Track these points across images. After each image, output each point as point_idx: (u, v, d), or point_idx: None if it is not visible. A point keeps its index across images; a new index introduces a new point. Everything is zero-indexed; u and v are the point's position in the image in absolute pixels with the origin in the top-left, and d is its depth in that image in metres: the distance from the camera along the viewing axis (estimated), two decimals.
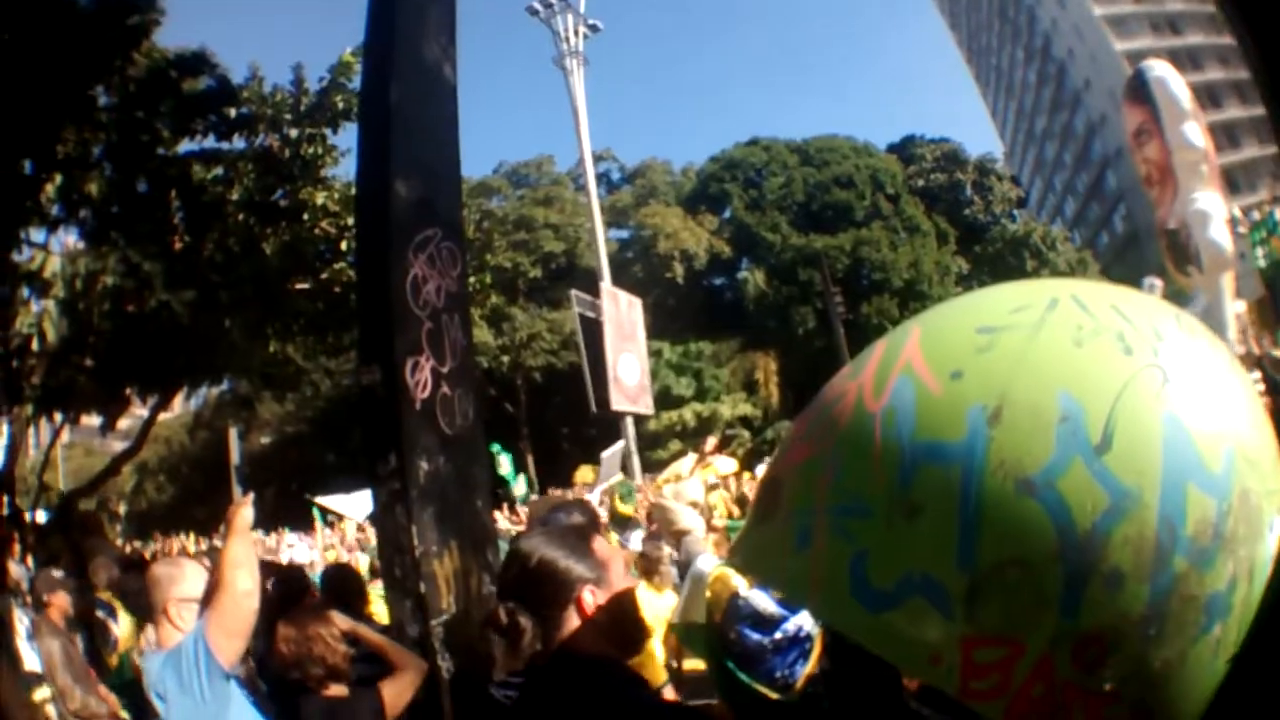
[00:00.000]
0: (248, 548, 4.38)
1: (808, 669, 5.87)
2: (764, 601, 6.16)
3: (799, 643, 5.95)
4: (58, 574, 9.87)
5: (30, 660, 6.92)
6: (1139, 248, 79.31)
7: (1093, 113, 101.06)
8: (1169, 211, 25.88)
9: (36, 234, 17.63)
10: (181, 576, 4.56)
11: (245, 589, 4.19)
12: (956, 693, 2.12)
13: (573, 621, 2.96)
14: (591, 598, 2.98)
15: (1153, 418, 2.19)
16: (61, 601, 8.43)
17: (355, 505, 26.99)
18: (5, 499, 18.96)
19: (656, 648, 8.09)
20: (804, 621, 5.89)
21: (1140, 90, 25.86)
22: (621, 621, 3.07)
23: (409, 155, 6.21)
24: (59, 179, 15.81)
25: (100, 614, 8.75)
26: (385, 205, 5.98)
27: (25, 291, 17.37)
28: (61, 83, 14.22)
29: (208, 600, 4.32)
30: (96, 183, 15.83)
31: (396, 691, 5.35)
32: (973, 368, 2.31)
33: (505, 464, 23.71)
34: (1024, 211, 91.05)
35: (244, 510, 4.51)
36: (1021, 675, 2.05)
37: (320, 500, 27.58)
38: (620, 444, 27.64)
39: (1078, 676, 2.04)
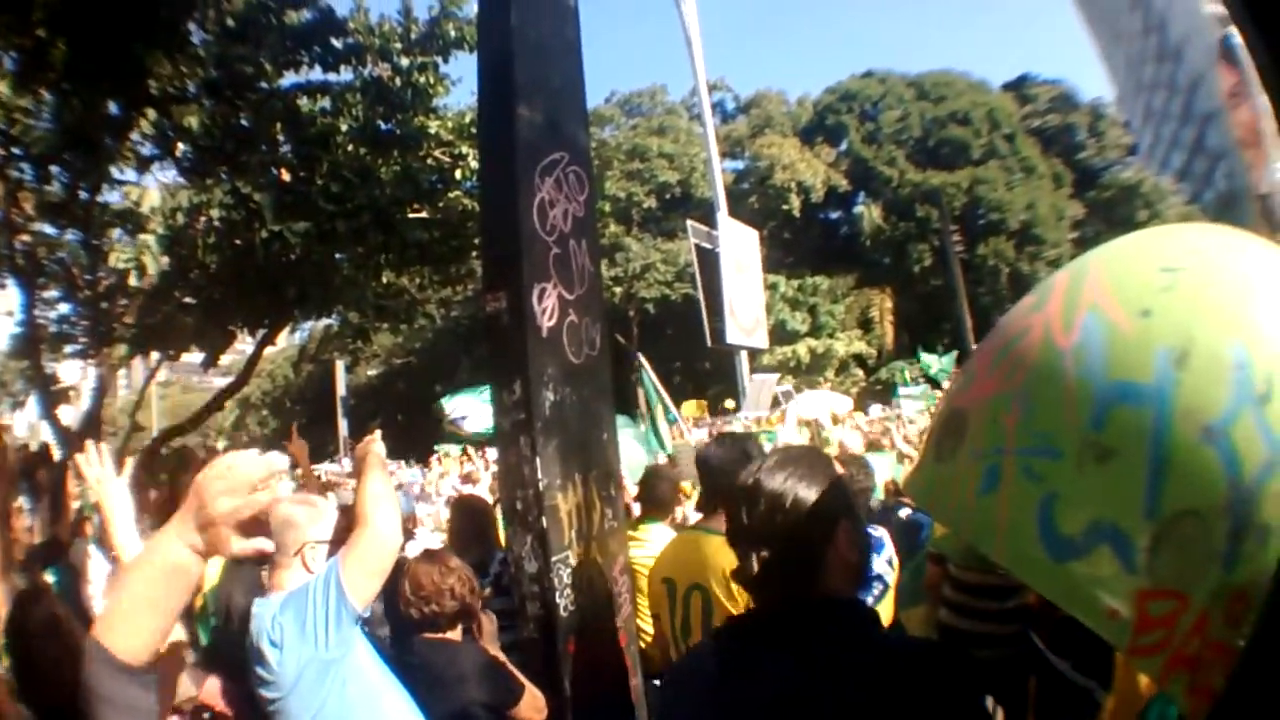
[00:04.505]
0: (387, 483, 4.36)
1: (885, 619, 5.75)
2: None
3: (868, 584, 5.84)
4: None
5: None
6: (1237, 209, 78.63)
7: (1192, 68, 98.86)
8: (1261, 175, 25.72)
9: (127, 173, 17.83)
10: (319, 517, 4.51)
11: (388, 526, 4.16)
12: (1126, 648, 2.04)
13: (828, 560, 2.79)
14: (844, 534, 2.81)
15: None
16: None
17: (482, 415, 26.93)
18: (90, 442, 18.91)
19: None
20: (880, 567, 5.88)
21: (1230, 53, 25.61)
22: (864, 556, 2.94)
23: (531, 78, 6.08)
24: (152, 116, 15.81)
25: None
26: (510, 129, 5.83)
27: (116, 233, 17.57)
28: (152, 21, 14.14)
29: (342, 539, 4.29)
30: (196, 116, 15.67)
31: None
32: (1159, 307, 2.17)
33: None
34: (1134, 159, 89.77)
35: (377, 444, 4.48)
36: (1183, 631, 1.97)
37: (447, 405, 27.38)
38: (773, 376, 27.67)
39: (1225, 633, 1.95)
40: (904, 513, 8.34)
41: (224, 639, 6.57)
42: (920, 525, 7.68)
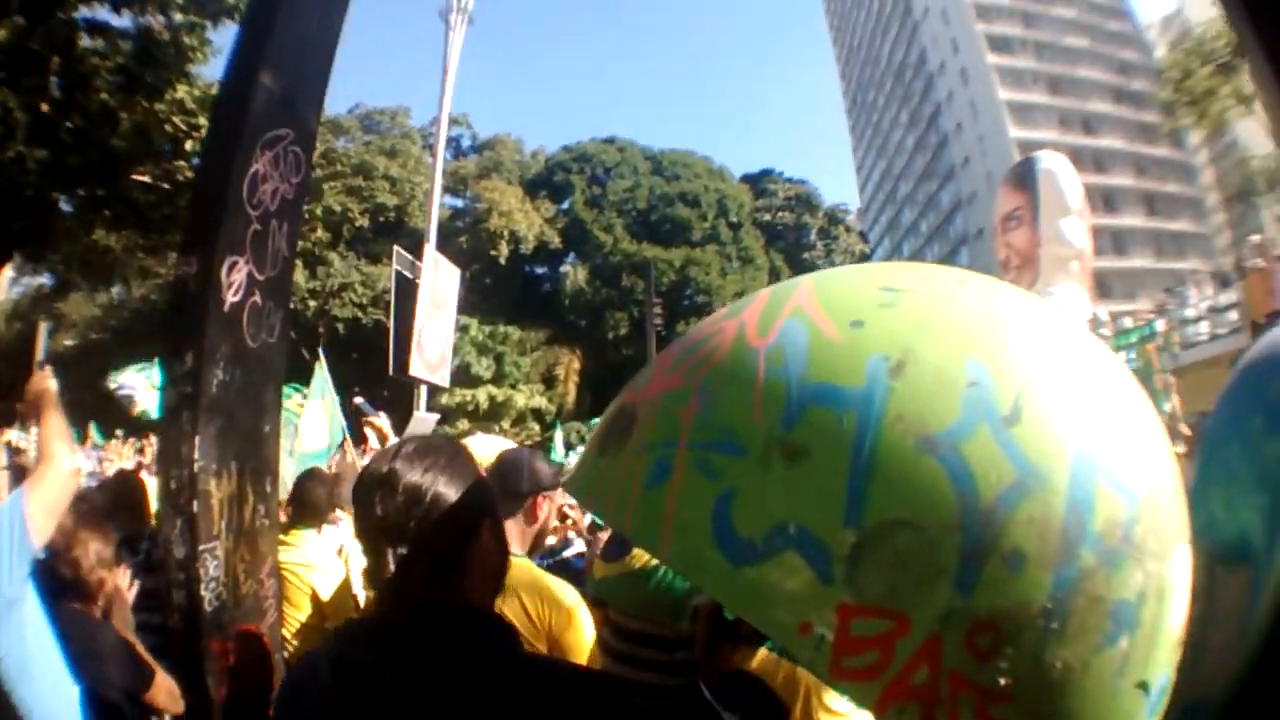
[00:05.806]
0: (64, 421, 4.36)
1: None
2: None
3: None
4: None
5: None
6: None
7: (963, 190, 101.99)
8: None
9: None
10: None
11: (69, 463, 4.18)
12: (827, 670, 1.82)
13: (470, 561, 2.58)
14: (488, 535, 2.63)
15: (1063, 405, 2.01)
16: None
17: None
18: None
19: None
20: None
21: (1024, 177, 26.07)
22: (503, 562, 2.71)
23: (284, 50, 6.02)
24: None
25: None
26: (248, 91, 5.75)
27: None
28: None
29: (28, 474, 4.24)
30: (5, 29, 15.97)
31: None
32: (875, 320, 2.11)
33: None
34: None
35: (50, 383, 4.46)
36: (905, 655, 1.81)
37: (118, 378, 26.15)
38: (435, 416, 27.19)
39: (969, 666, 1.81)
40: (569, 552, 8.30)
41: None
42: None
